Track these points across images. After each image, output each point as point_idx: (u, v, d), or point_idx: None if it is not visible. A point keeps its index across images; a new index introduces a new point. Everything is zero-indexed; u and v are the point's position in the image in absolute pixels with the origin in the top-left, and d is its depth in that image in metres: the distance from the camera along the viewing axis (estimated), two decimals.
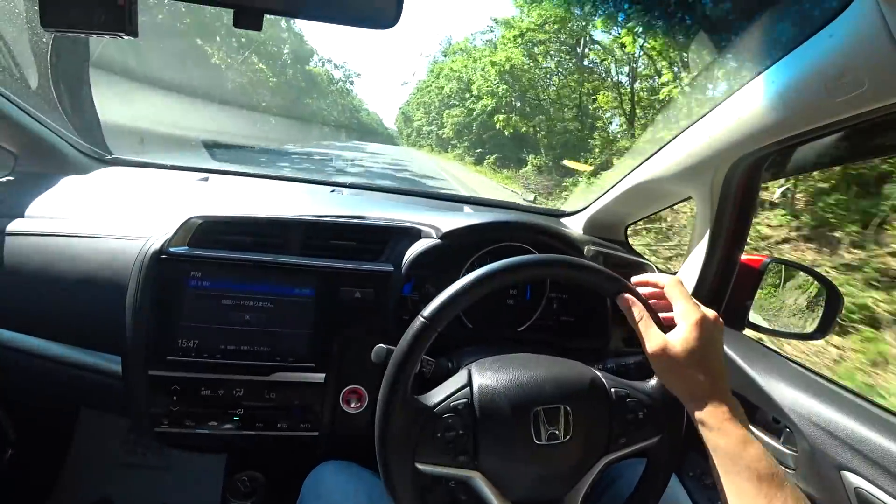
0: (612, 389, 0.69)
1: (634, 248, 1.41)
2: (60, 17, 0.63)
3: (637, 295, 0.68)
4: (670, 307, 0.67)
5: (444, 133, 30.47)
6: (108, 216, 1.03)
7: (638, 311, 0.66)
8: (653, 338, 0.64)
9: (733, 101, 0.83)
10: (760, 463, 0.56)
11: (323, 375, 0.91)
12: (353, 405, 0.92)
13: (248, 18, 0.46)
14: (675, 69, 10.13)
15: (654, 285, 0.72)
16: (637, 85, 12.33)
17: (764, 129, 0.79)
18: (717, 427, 0.59)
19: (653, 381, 0.72)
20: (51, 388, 1.02)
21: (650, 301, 0.68)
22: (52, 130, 1.23)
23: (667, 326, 0.66)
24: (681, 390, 0.64)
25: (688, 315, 0.64)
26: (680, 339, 0.62)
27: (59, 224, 0.99)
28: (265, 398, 0.89)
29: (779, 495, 0.54)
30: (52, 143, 1.24)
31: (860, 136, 0.79)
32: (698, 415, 0.61)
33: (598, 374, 0.72)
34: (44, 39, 1.48)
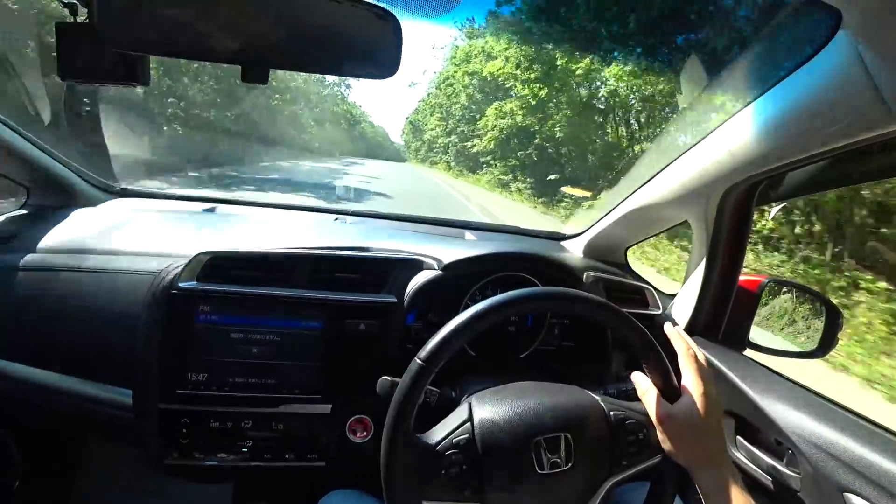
0: (611, 413, 0.71)
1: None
2: (77, 69, 0.67)
3: (657, 351, 0.71)
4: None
5: (472, 147, 22.09)
6: (119, 250, 1.06)
7: (645, 385, 0.71)
8: (659, 407, 0.68)
9: (722, 132, 0.85)
10: None
11: (329, 406, 0.92)
12: (358, 435, 0.93)
13: (255, 74, 0.49)
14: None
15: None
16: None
17: (752, 159, 0.81)
18: (719, 494, 0.62)
19: None
20: (61, 421, 1.03)
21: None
22: (63, 164, 1.27)
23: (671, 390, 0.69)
24: (684, 458, 0.67)
25: (694, 387, 0.68)
26: (684, 410, 0.66)
27: (71, 258, 1.01)
28: (272, 429, 0.90)
29: None
30: (63, 176, 1.27)
31: (852, 161, 0.82)
32: (701, 482, 0.64)
33: (597, 398, 0.73)
34: (58, 80, 1.54)
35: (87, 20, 0.64)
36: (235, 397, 0.89)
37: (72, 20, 0.69)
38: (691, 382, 0.68)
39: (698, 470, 0.65)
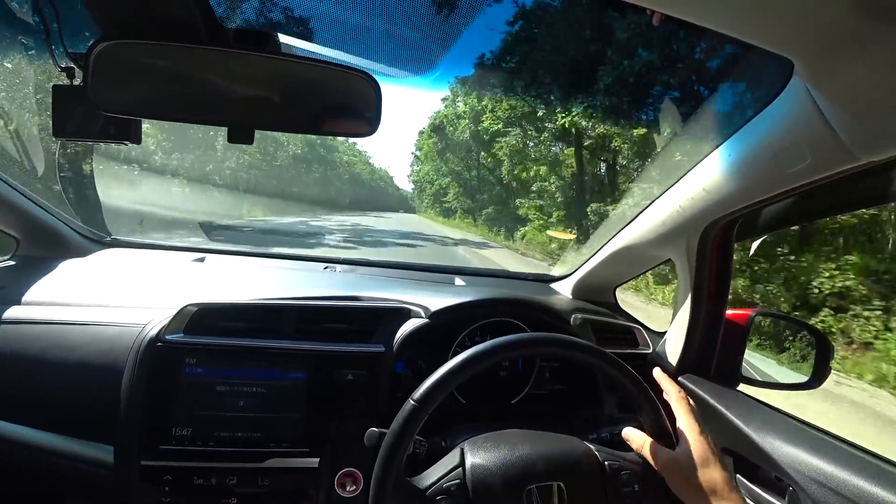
0: (606, 462, 0.70)
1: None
2: (71, 128, 0.69)
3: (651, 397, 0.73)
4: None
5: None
6: (107, 301, 1.05)
7: (640, 439, 0.73)
8: (661, 456, 0.70)
9: (696, 173, 0.89)
10: None
11: (317, 460, 0.90)
12: (348, 489, 0.90)
13: (241, 134, 0.51)
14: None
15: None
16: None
17: (726, 197, 0.84)
18: None
19: None
20: (37, 479, 0.99)
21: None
22: (54, 214, 1.28)
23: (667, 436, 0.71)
24: (693, 498, 0.68)
25: (690, 430, 0.70)
26: (687, 452, 0.68)
27: (57, 311, 1.01)
28: (259, 485, 0.87)
29: None
30: (53, 226, 1.28)
31: (824, 195, 0.85)
32: None
33: (592, 447, 0.72)
34: (51, 139, 1.58)
35: (83, 83, 0.67)
36: (221, 452, 0.86)
37: (68, 83, 0.72)
38: (686, 424, 0.70)
39: None
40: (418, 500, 0.64)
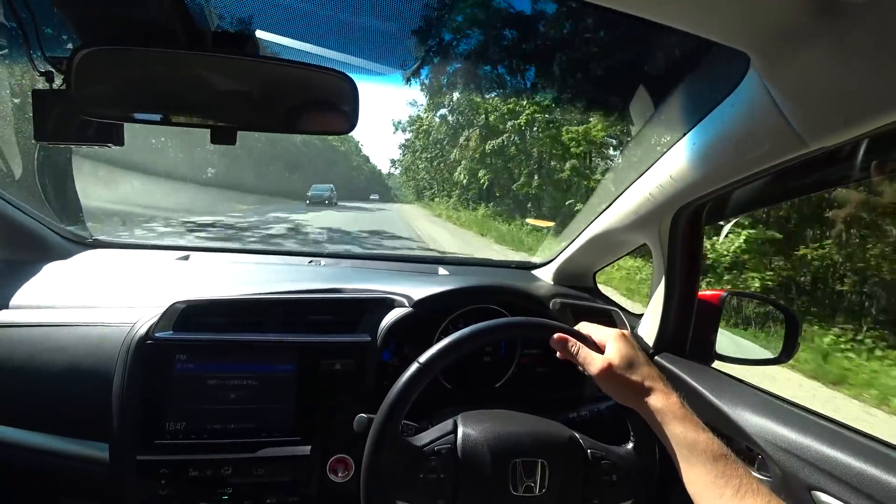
0: (589, 450, 0.74)
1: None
2: (51, 132, 0.70)
3: (569, 332, 0.74)
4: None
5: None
6: (92, 302, 1.05)
7: (571, 344, 0.72)
8: (593, 361, 0.70)
9: (664, 161, 0.93)
10: (714, 444, 0.61)
11: (308, 448, 0.92)
12: (340, 475, 0.93)
13: (223, 136, 0.53)
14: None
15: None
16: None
17: (692, 184, 0.88)
18: (674, 416, 0.64)
19: (629, 446, 0.76)
20: (32, 480, 1.00)
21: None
22: (34, 217, 1.26)
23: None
24: (633, 395, 0.68)
25: (606, 334, 0.72)
26: (615, 352, 0.69)
27: (43, 313, 1.01)
28: (253, 475, 0.90)
29: (735, 473, 0.58)
30: (33, 229, 1.26)
31: (788, 177, 0.90)
32: (657, 410, 0.65)
33: (577, 435, 0.76)
34: (30, 141, 1.56)
35: (63, 87, 0.68)
36: (214, 444, 0.89)
37: (48, 86, 0.72)
38: (602, 333, 0.73)
39: (651, 399, 0.66)
40: (412, 455, 0.67)
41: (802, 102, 0.62)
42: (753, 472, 0.86)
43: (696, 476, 0.60)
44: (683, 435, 0.62)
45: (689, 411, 0.65)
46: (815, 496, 0.75)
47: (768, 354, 1.15)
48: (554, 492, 0.68)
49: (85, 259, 1.33)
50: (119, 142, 0.66)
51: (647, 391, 0.67)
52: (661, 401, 0.66)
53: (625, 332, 0.73)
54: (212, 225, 10.98)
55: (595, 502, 0.71)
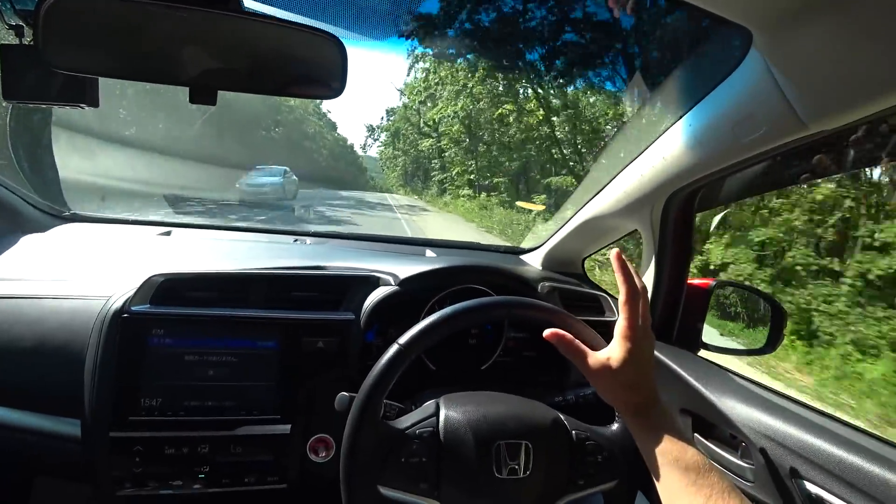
0: (574, 432, 0.73)
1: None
2: (22, 90, 0.66)
3: (559, 313, 0.71)
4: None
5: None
6: (67, 275, 1.02)
7: (566, 340, 0.68)
8: (586, 360, 0.66)
9: (658, 145, 0.91)
10: (687, 453, 0.59)
11: (289, 426, 0.90)
12: (320, 454, 0.92)
13: (203, 95, 0.50)
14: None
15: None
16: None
17: (687, 167, 0.87)
18: (651, 427, 0.62)
19: (614, 427, 0.75)
20: (3, 458, 0.97)
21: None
22: (8, 188, 1.22)
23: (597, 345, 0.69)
24: (620, 401, 0.66)
25: (618, 330, 0.66)
26: (610, 356, 0.65)
27: (16, 286, 0.97)
28: (231, 453, 0.88)
29: (706, 482, 0.57)
30: (7, 201, 1.22)
31: (781, 166, 0.89)
32: (640, 423, 0.63)
33: (561, 416, 0.75)
34: (2, 104, 1.50)
35: (33, 42, 0.64)
36: (191, 421, 0.86)
37: (17, 41, 0.68)
38: (620, 329, 0.66)
39: (637, 410, 0.64)
40: (391, 440, 0.65)
41: (805, 83, 0.61)
42: (736, 460, 0.87)
43: (668, 483, 0.59)
44: (657, 443, 0.61)
45: (666, 420, 0.63)
46: (797, 483, 0.76)
47: (754, 344, 1.16)
48: (539, 474, 0.68)
49: (62, 232, 1.29)
50: (93, 102, 0.63)
51: (635, 403, 0.64)
52: (643, 411, 0.63)
53: (640, 332, 0.66)
54: (196, 200, 10.68)
55: (580, 483, 0.71)
